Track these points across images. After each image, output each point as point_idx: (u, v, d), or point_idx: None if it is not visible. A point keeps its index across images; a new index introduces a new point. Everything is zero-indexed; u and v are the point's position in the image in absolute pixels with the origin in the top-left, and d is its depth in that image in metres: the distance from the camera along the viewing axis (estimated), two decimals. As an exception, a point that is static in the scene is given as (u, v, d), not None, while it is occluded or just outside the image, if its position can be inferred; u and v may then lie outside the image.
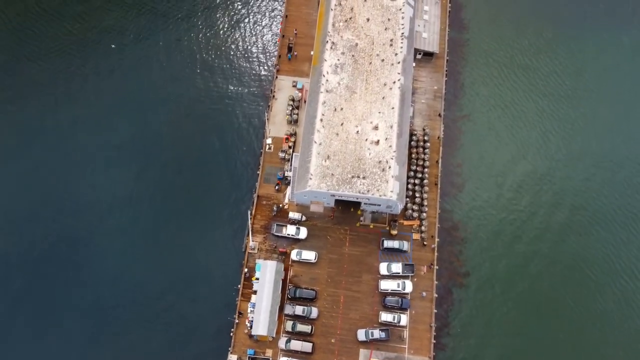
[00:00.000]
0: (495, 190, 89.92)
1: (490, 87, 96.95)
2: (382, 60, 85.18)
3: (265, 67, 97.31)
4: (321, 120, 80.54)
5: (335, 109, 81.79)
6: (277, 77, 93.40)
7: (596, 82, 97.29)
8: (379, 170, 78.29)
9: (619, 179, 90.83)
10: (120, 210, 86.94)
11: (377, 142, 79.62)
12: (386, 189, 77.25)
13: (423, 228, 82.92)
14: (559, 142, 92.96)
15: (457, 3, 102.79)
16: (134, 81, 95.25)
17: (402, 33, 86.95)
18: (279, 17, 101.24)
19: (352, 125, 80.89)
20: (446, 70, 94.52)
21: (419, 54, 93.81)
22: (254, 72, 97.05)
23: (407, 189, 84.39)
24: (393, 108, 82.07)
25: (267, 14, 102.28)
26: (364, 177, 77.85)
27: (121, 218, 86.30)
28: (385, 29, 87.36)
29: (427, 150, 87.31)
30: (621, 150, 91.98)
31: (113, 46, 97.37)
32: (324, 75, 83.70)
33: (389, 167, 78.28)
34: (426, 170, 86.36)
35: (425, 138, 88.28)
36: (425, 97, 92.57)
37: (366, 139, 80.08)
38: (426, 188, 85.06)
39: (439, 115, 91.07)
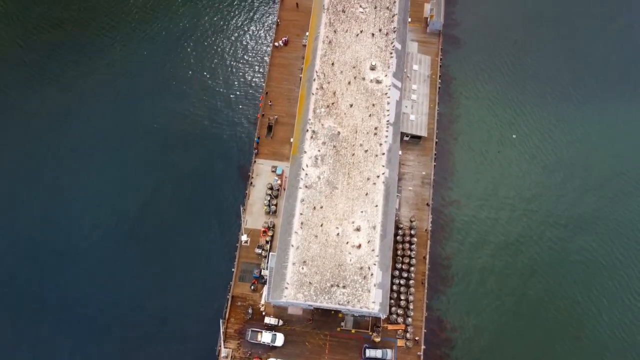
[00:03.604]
0: (484, 284, 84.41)
1: (479, 170, 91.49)
2: (366, 150, 79.81)
3: (244, 149, 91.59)
4: (301, 223, 75.02)
5: (315, 207, 76.27)
6: (255, 161, 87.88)
7: (587, 166, 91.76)
8: (360, 277, 72.75)
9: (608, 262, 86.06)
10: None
11: (359, 246, 74.11)
12: (367, 300, 71.65)
13: (408, 335, 77.39)
14: (551, 230, 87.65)
15: (448, 76, 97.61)
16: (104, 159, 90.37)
17: (388, 120, 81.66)
18: (259, 92, 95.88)
19: (332, 226, 75.38)
20: (435, 154, 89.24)
21: (407, 136, 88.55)
22: (231, 153, 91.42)
23: (392, 290, 78.91)
24: (377, 206, 76.58)
25: (246, 89, 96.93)
26: (344, 286, 72.26)
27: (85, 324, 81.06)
28: (370, 116, 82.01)
29: (413, 246, 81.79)
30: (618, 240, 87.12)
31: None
32: (303, 169, 78.25)
33: (371, 275, 72.72)
34: (412, 268, 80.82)
35: (412, 232, 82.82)
36: (412, 184, 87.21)
37: (347, 242, 74.50)
38: (412, 289, 79.55)
39: (427, 204, 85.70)
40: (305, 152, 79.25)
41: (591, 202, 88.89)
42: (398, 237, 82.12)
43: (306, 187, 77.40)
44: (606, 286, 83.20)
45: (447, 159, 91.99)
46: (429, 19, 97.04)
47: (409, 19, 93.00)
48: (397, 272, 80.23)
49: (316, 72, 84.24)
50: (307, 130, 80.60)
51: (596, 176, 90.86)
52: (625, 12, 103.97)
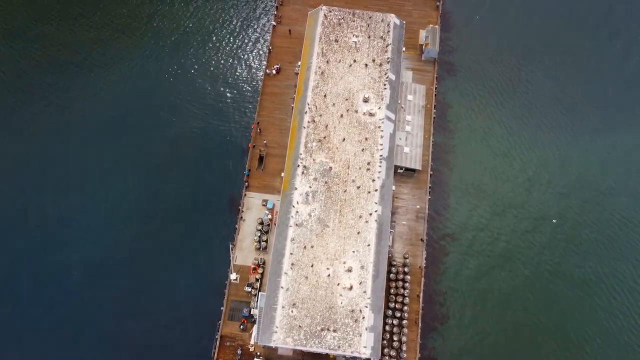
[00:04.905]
0: (478, 321, 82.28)
1: (474, 203, 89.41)
2: (358, 187, 77.93)
3: (234, 180, 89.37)
4: (291, 264, 73.07)
5: (305, 247, 74.37)
6: (245, 195, 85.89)
7: (584, 199, 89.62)
8: (352, 321, 70.84)
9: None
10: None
11: (351, 288, 72.24)
12: (359, 344, 69.79)
13: (401, 377, 75.63)
14: (547, 266, 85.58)
15: (443, 104, 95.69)
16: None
17: (381, 155, 79.82)
18: (250, 122, 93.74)
19: (323, 267, 73.46)
20: (430, 186, 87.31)
21: (400, 169, 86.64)
22: (221, 185, 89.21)
23: (385, 330, 76.80)
24: (369, 245, 74.72)
25: (237, 118, 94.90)
26: (334, 330, 70.36)
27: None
28: (362, 150, 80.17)
29: (407, 284, 79.88)
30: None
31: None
32: (293, 206, 76.34)
33: (363, 318, 70.84)
34: (406, 307, 78.84)
35: (406, 269, 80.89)
36: (406, 218, 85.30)
37: (338, 284, 72.62)
38: (405, 330, 77.60)
39: (421, 240, 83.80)
40: (295, 188, 77.38)
41: (588, 237, 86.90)
42: (391, 275, 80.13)
43: (296, 225, 75.49)
44: (601, 326, 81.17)
45: (442, 190, 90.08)
46: (424, 46, 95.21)
47: (404, 48, 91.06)
48: (390, 312, 78.22)
49: (308, 104, 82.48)
50: (298, 166, 78.76)
51: (593, 209, 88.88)
52: (620, 41, 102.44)
